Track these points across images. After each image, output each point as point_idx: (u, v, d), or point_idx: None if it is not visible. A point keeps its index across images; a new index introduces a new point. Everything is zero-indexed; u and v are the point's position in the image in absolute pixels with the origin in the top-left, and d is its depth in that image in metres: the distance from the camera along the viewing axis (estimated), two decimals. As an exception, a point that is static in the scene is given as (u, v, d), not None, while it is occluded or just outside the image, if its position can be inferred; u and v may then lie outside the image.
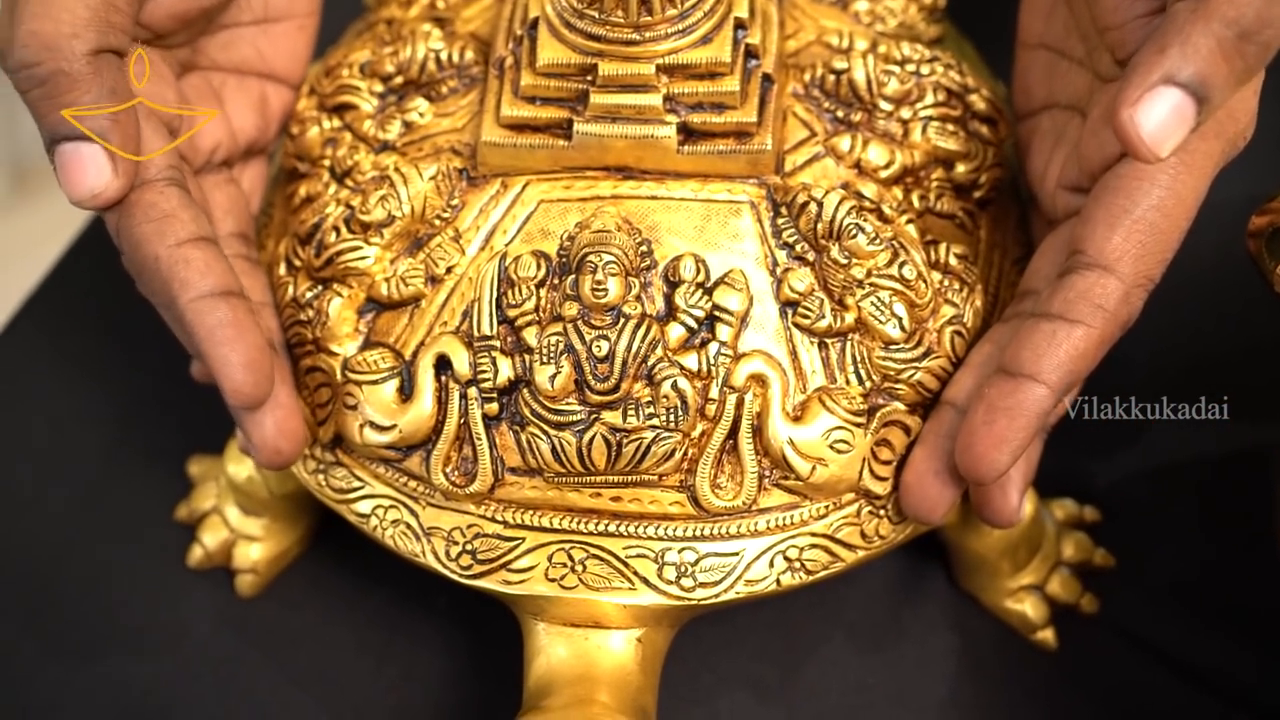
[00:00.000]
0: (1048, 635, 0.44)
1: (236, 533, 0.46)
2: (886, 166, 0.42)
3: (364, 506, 0.40)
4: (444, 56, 0.43)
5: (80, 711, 0.43)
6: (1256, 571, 0.44)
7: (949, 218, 0.42)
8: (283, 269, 0.42)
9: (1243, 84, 0.32)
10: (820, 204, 0.39)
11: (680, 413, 0.38)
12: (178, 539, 0.47)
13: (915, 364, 0.40)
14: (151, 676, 0.44)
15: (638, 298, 0.38)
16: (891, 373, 0.40)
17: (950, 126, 0.43)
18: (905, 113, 0.43)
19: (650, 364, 0.38)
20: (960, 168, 0.43)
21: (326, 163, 0.44)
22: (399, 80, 0.44)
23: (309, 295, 0.41)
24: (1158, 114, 0.32)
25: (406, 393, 0.39)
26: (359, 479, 0.41)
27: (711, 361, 0.38)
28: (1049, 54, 0.43)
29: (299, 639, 0.45)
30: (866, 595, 0.45)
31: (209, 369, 0.37)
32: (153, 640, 0.45)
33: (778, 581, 0.39)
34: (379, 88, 0.44)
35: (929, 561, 0.46)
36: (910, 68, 0.43)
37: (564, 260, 0.39)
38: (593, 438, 0.38)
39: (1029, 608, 0.44)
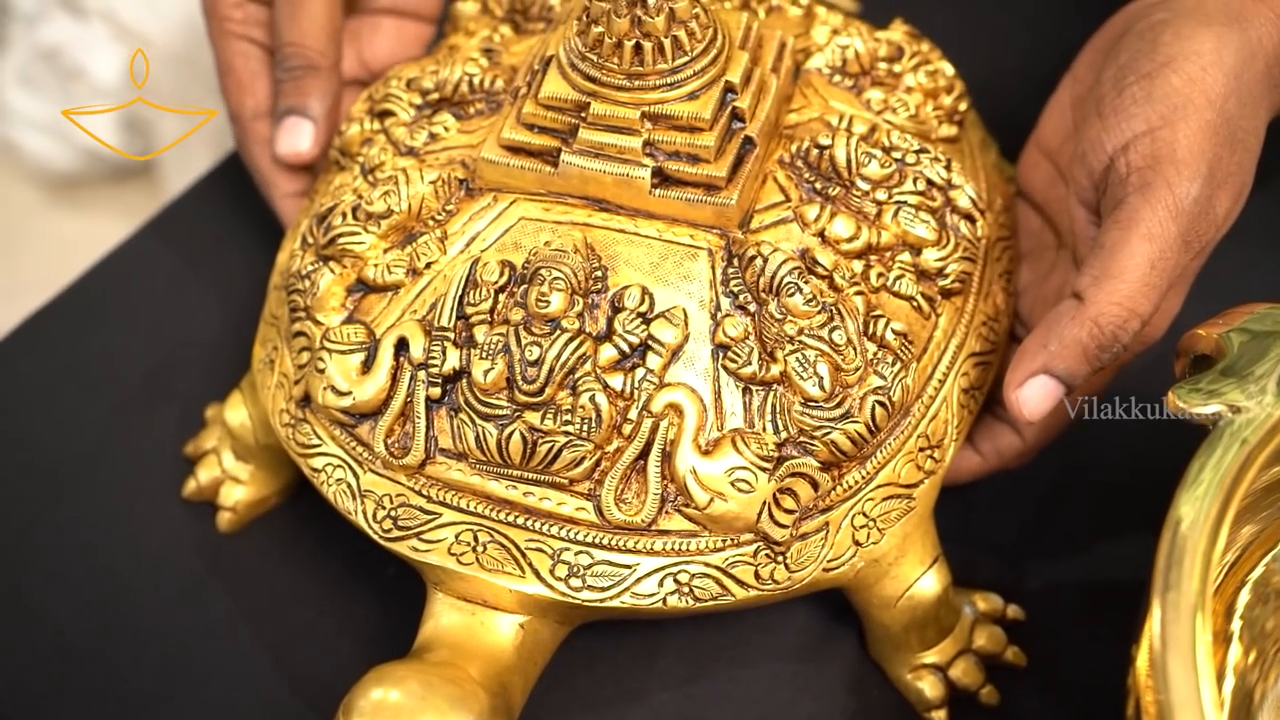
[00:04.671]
0: (941, 716, 0.45)
1: (226, 474, 0.51)
2: (850, 239, 0.44)
3: (318, 462, 0.45)
4: (476, 81, 0.48)
5: (54, 599, 0.49)
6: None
7: (907, 299, 0.45)
8: (298, 243, 0.47)
9: (1100, 368, 0.43)
10: (766, 260, 0.42)
11: (593, 425, 0.41)
12: (184, 472, 0.52)
13: (832, 424, 0.42)
14: (121, 581, 0.49)
15: (579, 315, 0.42)
16: (808, 428, 0.42)
17: (924, 215, 0.45)
18: (881, 194, 0.45)
19: (576, 376, 0.41)
20: (927, 254, 0.45)
21: (360, 159, 0.48)
22: (435, 96, 0.49)
23: (309, 269, 0.46)
24: (1034, 394, 0.43)
25: (368, 366, 0.43)
26: (319, 437, 0.45)
27: (636, 385, 0.41)
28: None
29: (255, 579, 0.49)
30: (779, 643, 0.47)
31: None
32: (135, 551, 0.50)
33: (664, 601, 0.42)
34: (417, 100, 0.49)
35: (843, 624, 0.47)
36: (896, 154, 0.46)
37: (525, 272, 0.43)
38: (512, 433, 0.41)
39: (927, 686, 0.45)
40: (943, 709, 0.46)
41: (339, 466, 0.44)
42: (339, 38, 0.52)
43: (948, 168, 0.46)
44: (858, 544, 0.43)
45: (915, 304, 0.45)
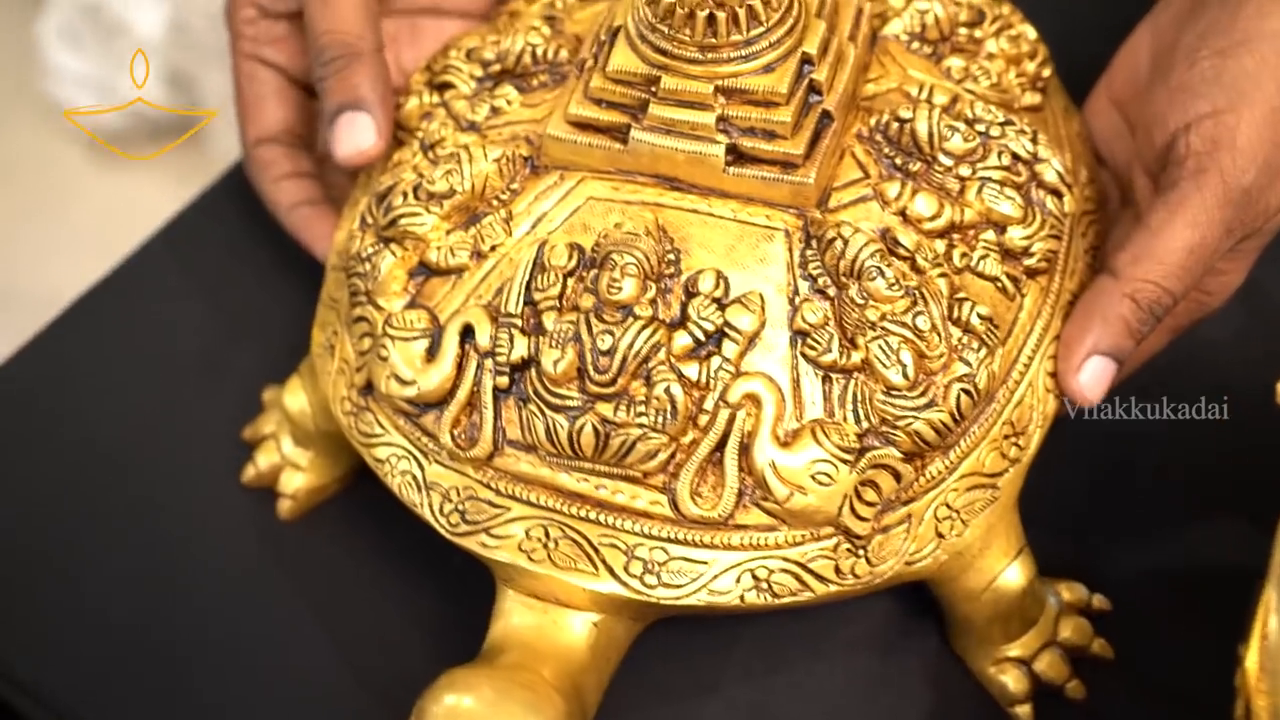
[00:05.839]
0: (1025, 711, 0.44)
1: (286, 460, 0.49)
2: (933, 218, 0.42)
3: (382, 452, 0.43)
4: (539, 52, 0.46)
5: (112, 586, 0.48)
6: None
7: (990, 280, 0.43)
8: (357, 223, 0.46)
9: (1147, 338, 0.43)
10: (846, 242, 0.40)
11: (669, 416, 0.39)
12: (243, 457, 0.51)
13: (915, 413, 0.40)
14: (184, 573, 0.48)
15: (652, 301, 0.40)
16: (890, 418, 0.40)
17: (1009, 191, 0.43)
18: (964, 170, 0.43)
19: (650, 365, 0.40)
20: (1012, 232, 0.43)
21: (419, 134, 0.47)
22: (496, 68, 0.47)
23: (369, 251, 0.44)
24: (1092, 376, 0.43)
25: (433, 354, 0.42)
26: (382, 426, 0.43)
27: (711, 374, 0.40)
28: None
29: (318, 568, 0.48)
30: (857, 637, 0.46)
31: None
32: (194, 538, 0.49)
33: (742, 598, 0.40)
34: (478, 72, 0.47)
35: (924, 616, 0.46)
36: (980, 127, 0.44)
37: (595, 255, 0.41)
38: (584, 425, 0.40)
39: (1011, 679, 0.44)
40: (1027, 703, 0.44)
41: (403, 457, 0.43)
42: (378, 23, 0.48)
43: (1034, 140, 0.44)
44: (941, 536, 0.42)
45: (1000, 285, 0.43)
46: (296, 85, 0.53)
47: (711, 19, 0.41)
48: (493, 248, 0.43)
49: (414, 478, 0.43)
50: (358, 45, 0.47)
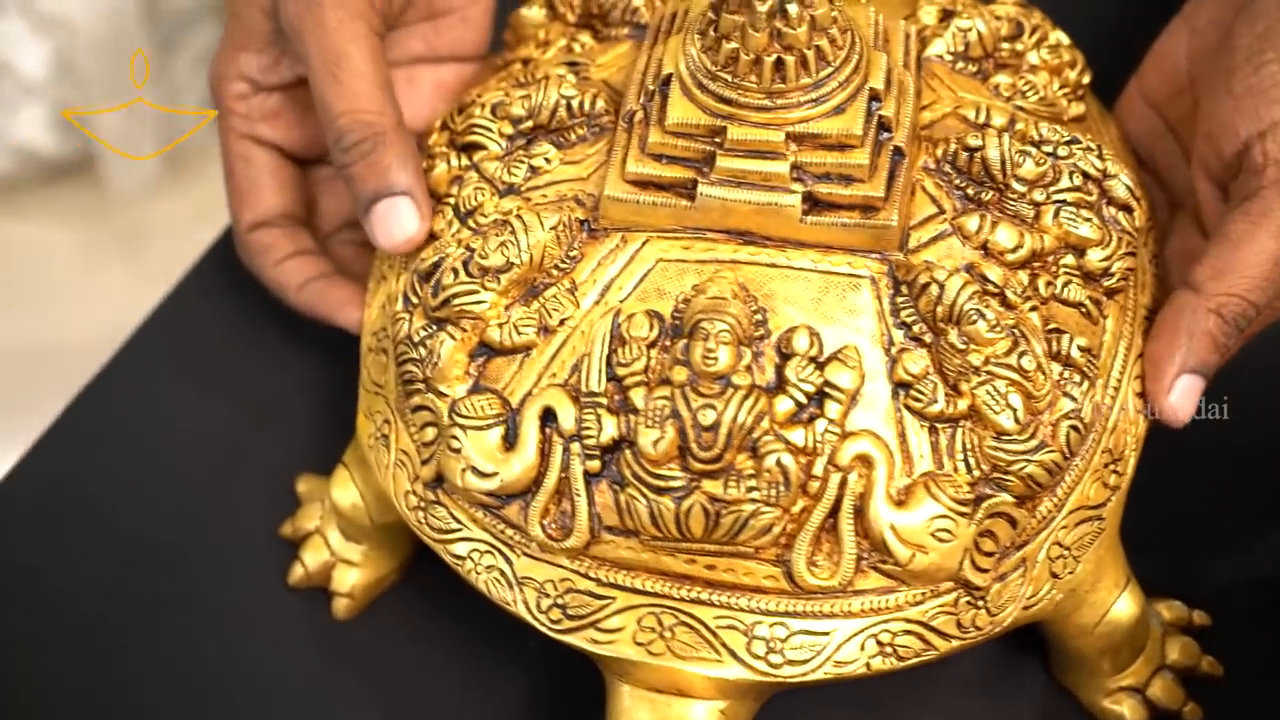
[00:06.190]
0: (1144, 741, 0.43)
1: (337, 556, 0.46)
2: (1014, 250, 0.41)
3: (461, 549, 0.41)
4: (575, 104, 0.43)
5: (161, 702, 0.45)
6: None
7: (1075, 306, 0.41)
8: (400, 304, 0.43)
9: (1233, 351, 0.42)
10: (942, 286, 0.39)
11: (782, 488, 0.37)
12: (280, 555, 0.48)
13: (1027, 457, 0.39)
14: (243, 687, 0.45)
15: (748, 368, 0.38)
16: (1001, 464, 0.39)
17: (1085, 213, 0.42)
18: (1038, 195, 0.42)
19: (755, 436, 0.37)
20: (1092, 255, 0.42)
21: (451, 200, 0.44)
22: (529, 124, 0.44)
23: (422, 334, 0.41)
24: (1183, 396, 0.41)
25: (510, 441, 0.39)
26: (458, 521, 0.41)
27: (818, 438, 0.38)
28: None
29: (386, 665, 0.46)
30: (960, 681, 0.45)
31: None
32: (247, 651, 0.46)
33: (867, 665, 0.39)
34: (508, 130, 0.44)
35: (1025, 652, 0.45)
36: (1047, 149, 0.42)
37: (677, 323, 0.39)
38: (691, 506, 0.37)
39: (1127, 710, 0.43)
40: (1147, 734, 0.43)
41: (486, 552, 0.40)
42: (393, 88, 0.44)
43: (1100, 156, 0.43)
44: (1055, 576, 0.40)
45: (1084, 310, 0.41)
46: (292, 161, 0.50)
47: (779, 64, 0.39)
48: (561, 321, 0.40)
49: (502, 573, 0.40)
50: (379, 124, 0.43)
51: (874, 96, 0.40)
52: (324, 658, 0.46)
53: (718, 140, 0.40)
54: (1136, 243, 0.43)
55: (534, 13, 0.49)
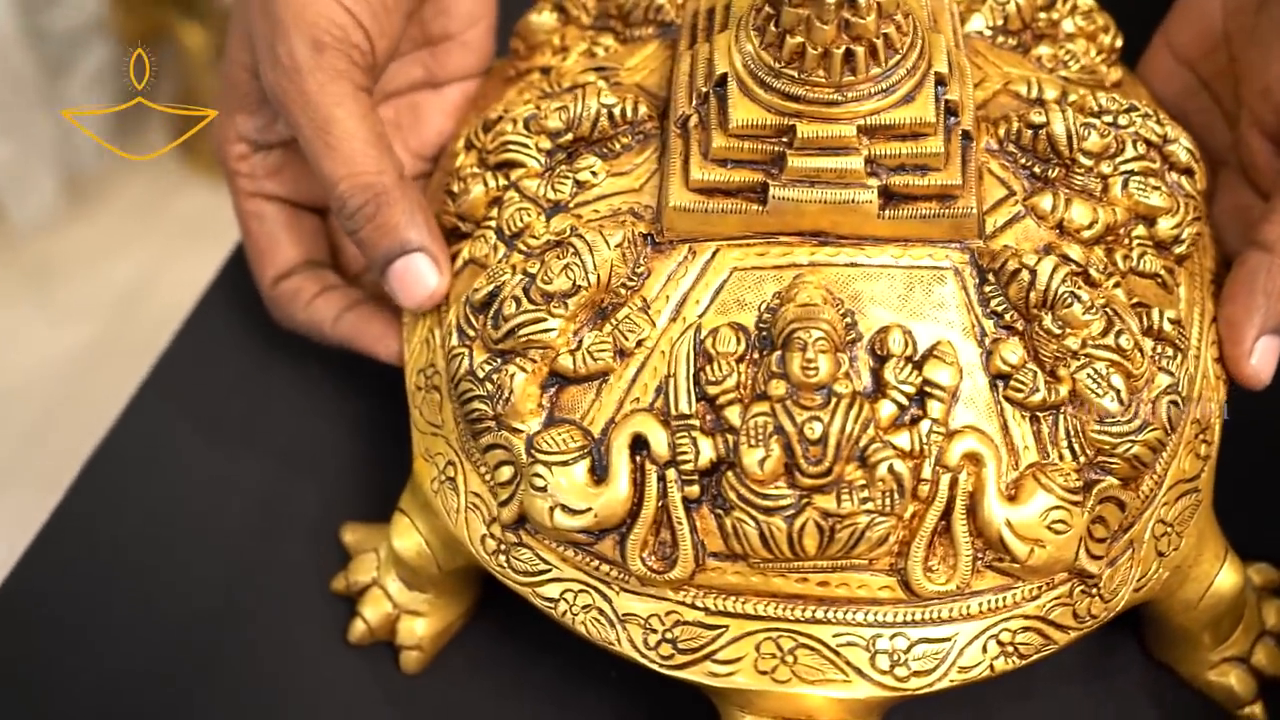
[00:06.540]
0: (1256, 710, 0.42)
1: (400, 607, 0.44)
2: (1089, 226, 0.40)
3: (552, 590, 0.39)
4: (617, 112, 0.41)
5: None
6: None
7: (1151, 277, 0.40)
8: (455, 339, 0.40)
9: None
10: (1034, 271, 0.37)
11: (896, 495, 0.36)
12: (335, 612, 0.45)
13: (1131, 437, 0.38)
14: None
15: (847, 375, 0.36)
16: (1106, 447, 0.38)
17: (1153, 181, 0.41)
18: (1105, 167, 0.41)
19: (863, 445, 0.36)
20: (1162, 224, 0.41)
21: (492, 223, 0.42)
22: (568, 137, 0.42)
23: (487, 368, 0.39)
24: (1264, 359, 0.41)
25: (599, 474, 0.37)
26: (546, 561, 0.39)
27: (924, 440, 0.36)
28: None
29: (467, 715, 0.43)
30: (1058, 668, 0.43)
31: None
32: (313, 715, 0.44)
33: (991, 667, 0.38)
34: (546, 144, 0.42)
35: (1117, 630, 0.44)
36: (1108, 119, 0.41)
37: (764, 334, 0.37)
38: (804, 523, 0.36)
39: (1235, 681, 0.42)
40: (1257, 703, 0.43)
41: (581, 591, 0.38)
42: (387, 141, 0.43)
43: (1160, 122, 0.42)
44: (1160, 554, 0.40)
45: (1160, 280, 0.41)
46: (304, 210, 0.48)
47: (849, 55, 0.37)
48: (638, 343, 0.38)
49: (601, 612, 0.38)
50: (379, 183, 0.41)
51: (939, 81, 0.39)
52: (401, 713, 0.43)
53: (786, 140, 0.38)
54: (1201, 207, 0.42)
55: (544, 18, 0.47)
